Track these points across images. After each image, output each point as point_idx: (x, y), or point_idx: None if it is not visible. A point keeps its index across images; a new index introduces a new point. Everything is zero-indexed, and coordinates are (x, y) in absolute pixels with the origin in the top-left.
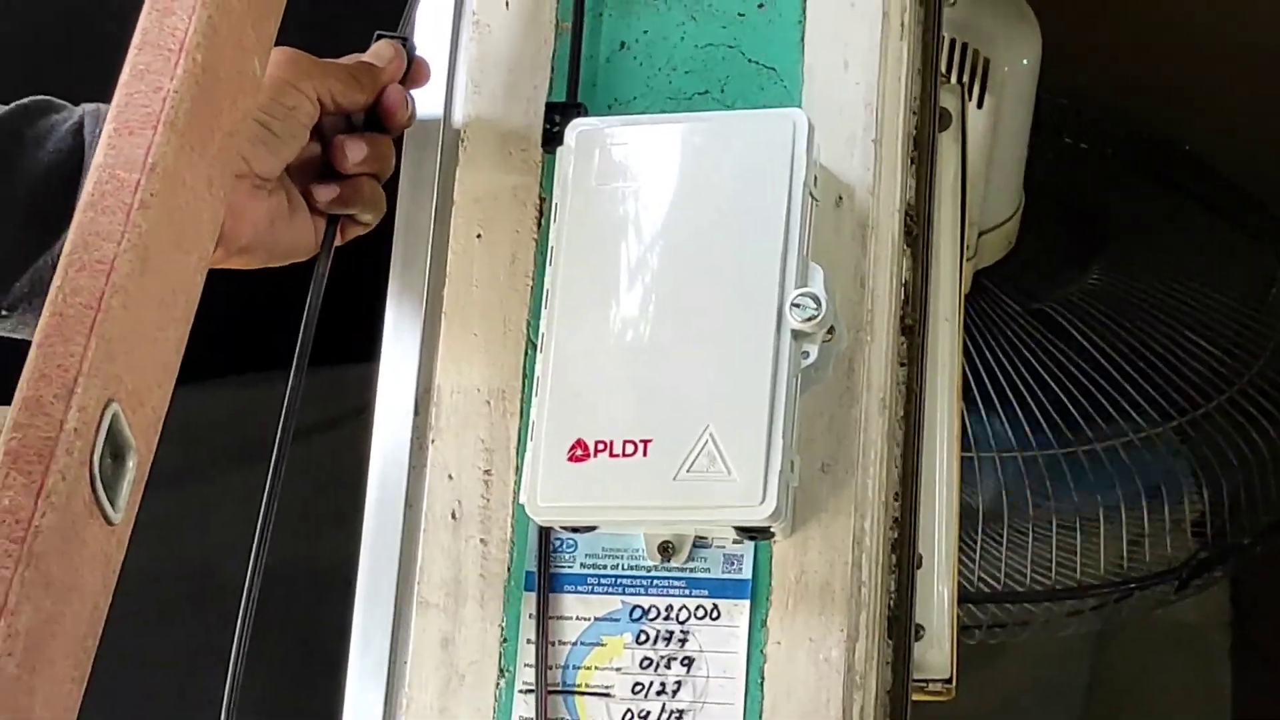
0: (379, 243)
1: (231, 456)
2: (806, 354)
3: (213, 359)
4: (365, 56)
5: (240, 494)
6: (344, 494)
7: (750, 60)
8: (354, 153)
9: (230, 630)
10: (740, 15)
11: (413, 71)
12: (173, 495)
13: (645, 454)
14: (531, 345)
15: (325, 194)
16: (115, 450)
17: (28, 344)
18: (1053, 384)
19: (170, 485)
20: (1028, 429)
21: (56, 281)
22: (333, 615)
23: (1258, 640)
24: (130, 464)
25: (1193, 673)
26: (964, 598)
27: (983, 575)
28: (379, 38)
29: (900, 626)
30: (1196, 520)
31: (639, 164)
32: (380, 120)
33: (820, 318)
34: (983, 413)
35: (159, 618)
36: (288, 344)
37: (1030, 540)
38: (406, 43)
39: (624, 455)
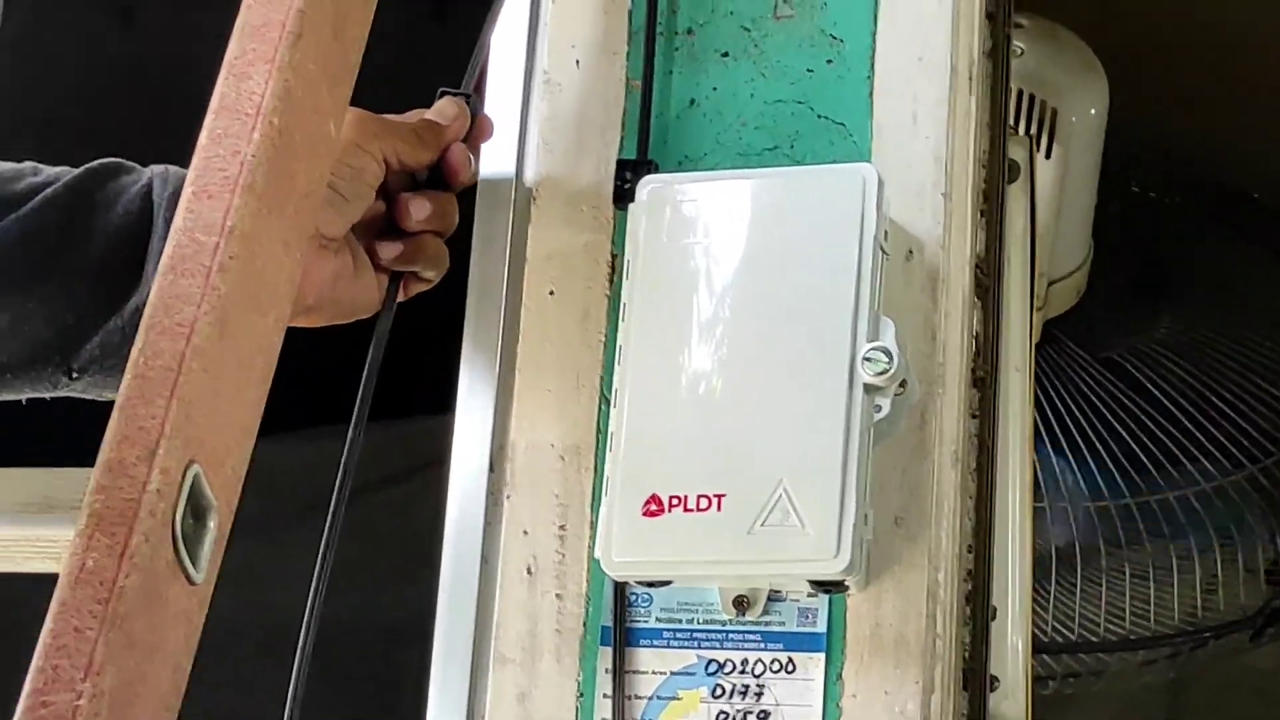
0: (454, 296)
1: (312, 508)
2: (879, 407)
3: (295, 411)
4: (429, 114)
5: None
6: (421, 545)
7: (819, 116)
8: (418, 211)
9: (310, 682)
10: (809, 71)
11: (476, 129)
12: (255, 546)
13: (719, 508)
14: (605, 400)
15: (389, 251)
16: (196, 511)
17: (96, 402)
18: (1123, 432)
19: (252, 535)
20: (1099, 478)
21: (138, 344)
22: (411, 668)
23: None
24: (211, 524)
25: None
26: (1038, 648)
27: (1056, 624)
28: (443, 95)
29: (975, 678)
30: (1270, 567)
31: (710, 220)
32: (443, 177)
33: (892, 371)
34: (1054, 461)
35: (239, 669)
36: (376, 396)
37: (1104, 589)
38: (470, 100)
39: (698, 510)
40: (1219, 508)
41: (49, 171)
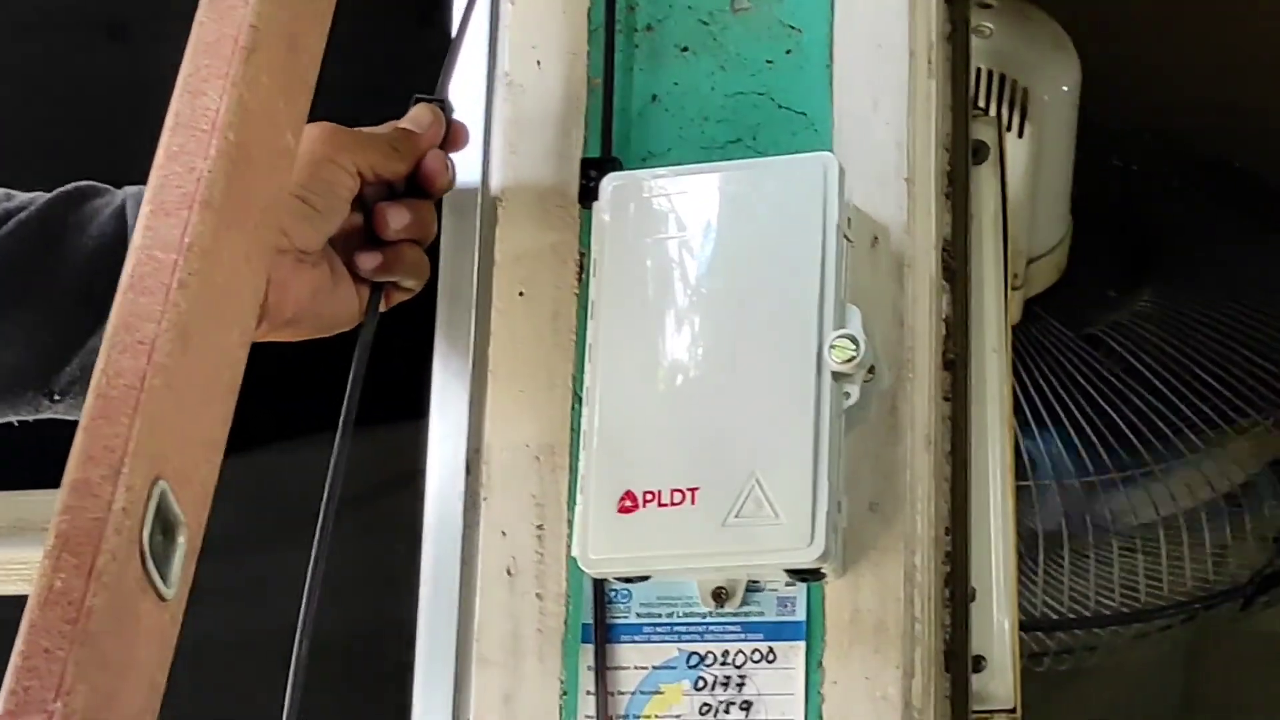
0: (426, 303)
1: (293, 523)
2: (848, 395)
3: (271, 425)
4: (403, 122)
5: (304, 560)
6: (405, 552)
7: (780, 106)
8: (396, 220)
9: (319, 693)
10: (769, 62)
11: (452, 135)
12: (239, 563)
13: (693, 502)
14: (577, 399)
15: (368, 262)
16: (165, 527)
17: (71, 424)
18: (1108, 408)
19: (236, 553)
20: (1084, 454)
21: (100, 364)
22: (396, 674)
23: None
24: (180, 540)
25: None
26: (1028, 625)
27: (1047, 601)
28: (416, 101)
29: (957, 660)
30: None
31: (674, 215)
32: (421, 185)
33: (859, 358)
34: (1039, 439)
35: (258, 682)
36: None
37: (1093, 564)
38: (444, 105)
39: (672, 504)
40: None
41: (21, 197)
